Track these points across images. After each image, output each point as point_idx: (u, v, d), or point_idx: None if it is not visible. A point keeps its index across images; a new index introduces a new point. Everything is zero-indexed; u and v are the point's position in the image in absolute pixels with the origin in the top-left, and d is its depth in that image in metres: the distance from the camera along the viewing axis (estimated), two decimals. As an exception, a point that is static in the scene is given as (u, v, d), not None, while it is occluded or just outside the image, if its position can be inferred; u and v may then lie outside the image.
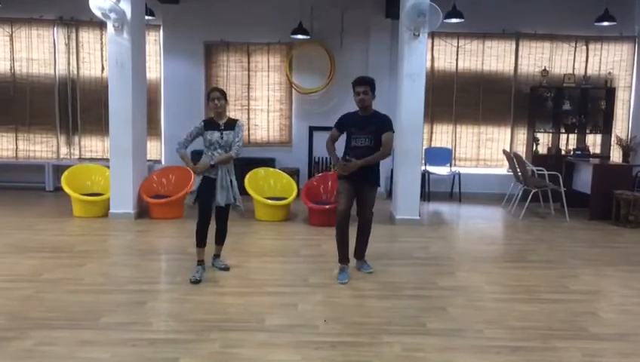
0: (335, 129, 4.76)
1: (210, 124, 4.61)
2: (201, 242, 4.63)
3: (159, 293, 4.35)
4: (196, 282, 4.43)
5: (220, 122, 4.60)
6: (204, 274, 4.58)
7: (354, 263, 4.90)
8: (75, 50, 9.05)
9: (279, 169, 8.15)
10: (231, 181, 4.62)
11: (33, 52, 9.05)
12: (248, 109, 9.27)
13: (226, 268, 4.81)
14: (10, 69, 9.07)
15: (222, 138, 4.54)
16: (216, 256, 4.92)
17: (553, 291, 4.50)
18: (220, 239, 4.87)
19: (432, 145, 9.31)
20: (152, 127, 8.58)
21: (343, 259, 4.70)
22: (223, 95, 4.61)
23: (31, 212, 7.24)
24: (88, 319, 3.67)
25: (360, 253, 4.91)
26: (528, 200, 7.65)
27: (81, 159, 9.10)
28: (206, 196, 4.56)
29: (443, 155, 9.22)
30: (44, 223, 6.58)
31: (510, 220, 7.56)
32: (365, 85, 4.51)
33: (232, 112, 9.20)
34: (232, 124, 4.63)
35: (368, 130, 4.55)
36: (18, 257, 5.11)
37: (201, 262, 4.66)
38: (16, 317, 3.67)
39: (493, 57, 9.18)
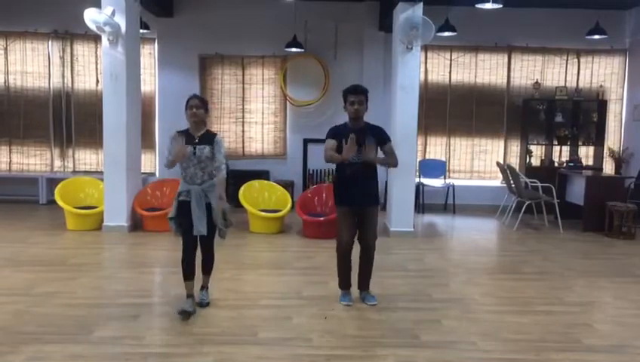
0: (330, 139, 4.28)
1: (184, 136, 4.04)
2: (187, 275, 4.06)
3: (152, 307, 4.32)
4: (182, 313, 3.92)
5: (195, 135, 4.06)
6: (194, 306, 4.07)
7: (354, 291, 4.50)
8: (69, 63, 9.07)
9: (273, 181, 8.15)
10: (208, 204, 4.01)
11: (28, 65, 9.07)
12: (243, 122, 9.29)
13: (205, 304, 4.20)
14: (5, 82, 9.06)
15: (194, 153, 3.97)
16: (203, 287, 4.29)
17: (547, 303, 4.50)
18: (207, 268, 4.25)
19: (426, 157, 9.35)
20: (146, 139, 8.57)
21: (346, 285, 4.43)
22: (203, 104, 4.10)
23: (24, 225, 7.21)
24: (81, 333, 3.64)
25: (364, 285, 4.48)
26: (522, 212, 7.67)
27: (74, 172, 9.08)
28: (185, 224, 4.04)
29: (437, 167, 9.25)
30: (37, 236, 6.55)
31: (504, 232, 7.58)
32: (361, 95, 4.23)
33: (227, 125, 9.26)
34: (208, 138, 4.06)
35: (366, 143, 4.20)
36: (11, 271, 5.08)
37: (190, 296, 4.09)
38: (9, 332, 3.64)
39: (485, 70, 9.26)
